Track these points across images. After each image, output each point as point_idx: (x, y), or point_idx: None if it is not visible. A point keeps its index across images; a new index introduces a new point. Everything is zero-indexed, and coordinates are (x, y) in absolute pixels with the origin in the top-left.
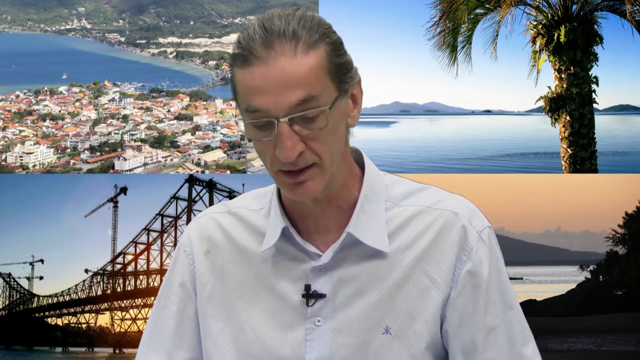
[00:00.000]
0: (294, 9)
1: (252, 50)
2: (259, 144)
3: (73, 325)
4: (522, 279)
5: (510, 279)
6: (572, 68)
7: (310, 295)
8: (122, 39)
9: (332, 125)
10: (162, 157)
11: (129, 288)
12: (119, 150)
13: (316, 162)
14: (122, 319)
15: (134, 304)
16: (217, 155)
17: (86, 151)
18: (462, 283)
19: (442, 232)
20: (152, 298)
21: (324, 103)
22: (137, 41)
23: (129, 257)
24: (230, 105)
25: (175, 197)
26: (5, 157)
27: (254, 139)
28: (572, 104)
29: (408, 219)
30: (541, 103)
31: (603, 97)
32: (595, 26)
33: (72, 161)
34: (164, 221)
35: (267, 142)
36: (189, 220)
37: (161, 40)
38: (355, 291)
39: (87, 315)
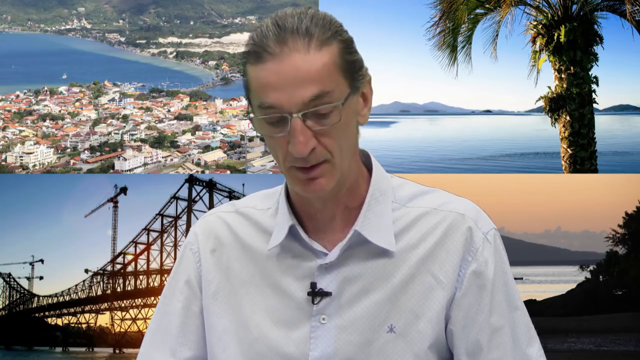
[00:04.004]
0: (306, 7)
1: (265, 46)
2: (272, 141)
3: (73, 325)
4: (522, 279)
5: None
6: (572, 68)
7: (316, 293)
8: (122, 39)
9: (344, 122)
10: (162, 157)
11: (129, 288)
12: (119, 150)
13: (327, 158)
14: (122, 319)
15: (134, 304)
16: (217, 155)
17: (86, 151)
18: (468, 283)
19: (448, 233)
20: (153, 298)
21: (336, 99)
22: (137, 41)
23: (129, 257)
24: (230, 105)
25: (175, 197)
26: (5, 157)
27: (266, 135)
28: (572, 104)
29: (414, 219)
30: (541, 103)
31: (603, 97)
32: (595, 26)
33: (72, 161)
34: (164, 221)
35: (280, 138)
36: (189, 220)
37: (161, 40)
38: (361, 290)
39: (87, 315)
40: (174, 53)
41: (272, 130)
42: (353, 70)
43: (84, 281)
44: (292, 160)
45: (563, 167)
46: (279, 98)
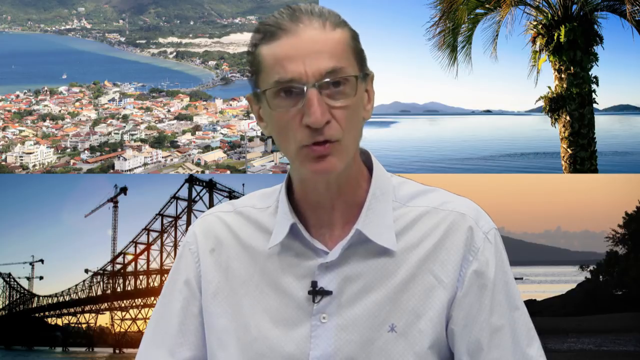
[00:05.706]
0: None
1: (280, 25)
2: (285, 116)
3: (73, 325)
4: (522, 279)
5: None
6: (572, 68)
7: (317, 292)
8: (122, 39)
9: (356, 102)
10: (162, 157)
11: (129, 288)
12: (119, 150)
13: (339, 138)
14: (122, 319)
15: (134, 304)
16: (217, 155)
17: (86, 151)
18: (468, 283)
19: (449, 232)
20: (152, 298)
21: (350, 75)
22: (137, 41)
23: (129, 257)
24: (230, 105)
25: (175, 197)
26: (5, 157)
27: (280, 111)
28: (572, 104)
29: (415, 219)
30: (541, 103)
31: (603, 97)
32: (595, 26)
33: (72, 161)
34: (164, 221)
35: (293, 113)
36: (189, 220)
37: (161, 40)
38: (362, 289)
39: (87, 315)
40: (174, 53)
41: (286, 103)
42: (362, 59)
43: (84, 281)
44: (305, 137)
45: (563, 167)
46: (297, 69)
